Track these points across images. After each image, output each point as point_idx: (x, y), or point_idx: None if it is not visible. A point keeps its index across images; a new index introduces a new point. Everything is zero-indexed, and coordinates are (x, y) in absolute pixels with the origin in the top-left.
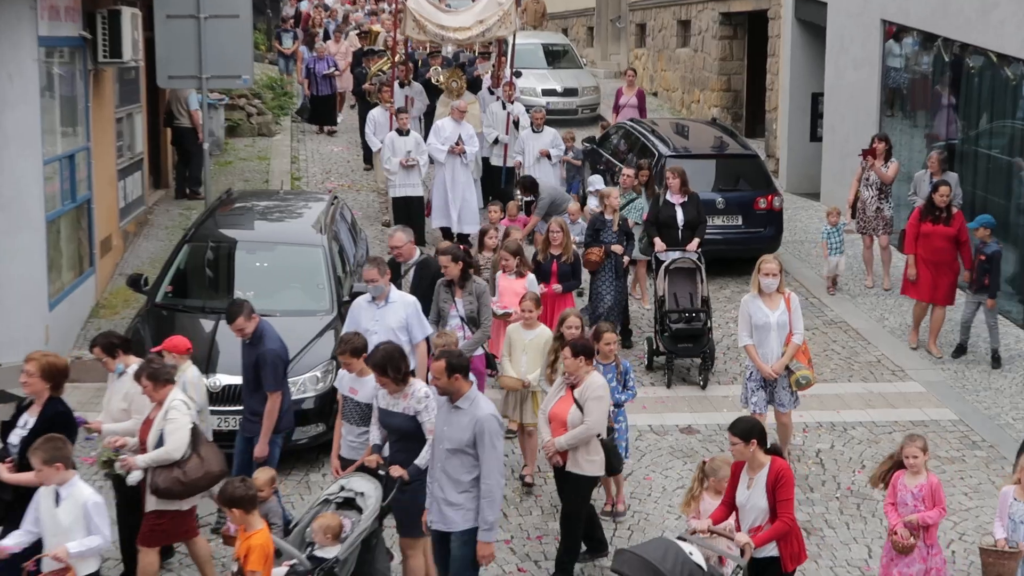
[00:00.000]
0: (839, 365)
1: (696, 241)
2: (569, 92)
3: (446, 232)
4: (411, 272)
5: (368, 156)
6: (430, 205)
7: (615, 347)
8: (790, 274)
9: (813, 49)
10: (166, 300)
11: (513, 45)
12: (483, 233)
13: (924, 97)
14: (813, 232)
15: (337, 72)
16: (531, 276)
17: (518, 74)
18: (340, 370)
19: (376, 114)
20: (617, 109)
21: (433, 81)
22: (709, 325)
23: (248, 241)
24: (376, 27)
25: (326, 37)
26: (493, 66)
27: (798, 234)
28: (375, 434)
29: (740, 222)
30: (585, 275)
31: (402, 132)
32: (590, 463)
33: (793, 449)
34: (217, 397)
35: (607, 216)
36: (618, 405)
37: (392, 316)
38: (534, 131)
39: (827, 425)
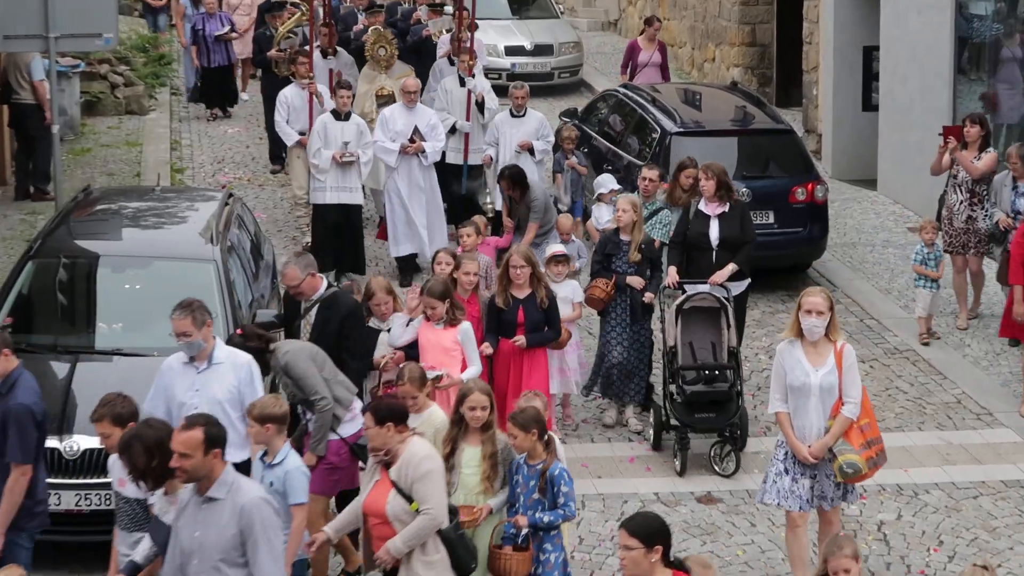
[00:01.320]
0: (907, 408)
1: (727, 269)
2: (541, 50)
3: (405, 262)
4: (313, 311)
5: (278, 153)
6: (383, 226)
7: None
8: (839, 289)
9: None
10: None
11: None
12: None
13: (1011, 55)
14: (868, 231)
15: (235, 35)
16: (465, 325)
17: (473, 27)
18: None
19: (290, 94)
20: (632, 71)
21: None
22: (739, 387)
23: (113, 256)
24: None
25: None
26: (452, 20)
27: (849, 234)
28: (143, 547)
29: (772, 220)
30: (588, 313)
31: (340, 114)
32: (428, 567)
33: (848, 521)
34: (74, 467)
35: (623, 236)
36: (539, 528)
37: (218, 383)
38: (514, 115)
39: (892, 489)
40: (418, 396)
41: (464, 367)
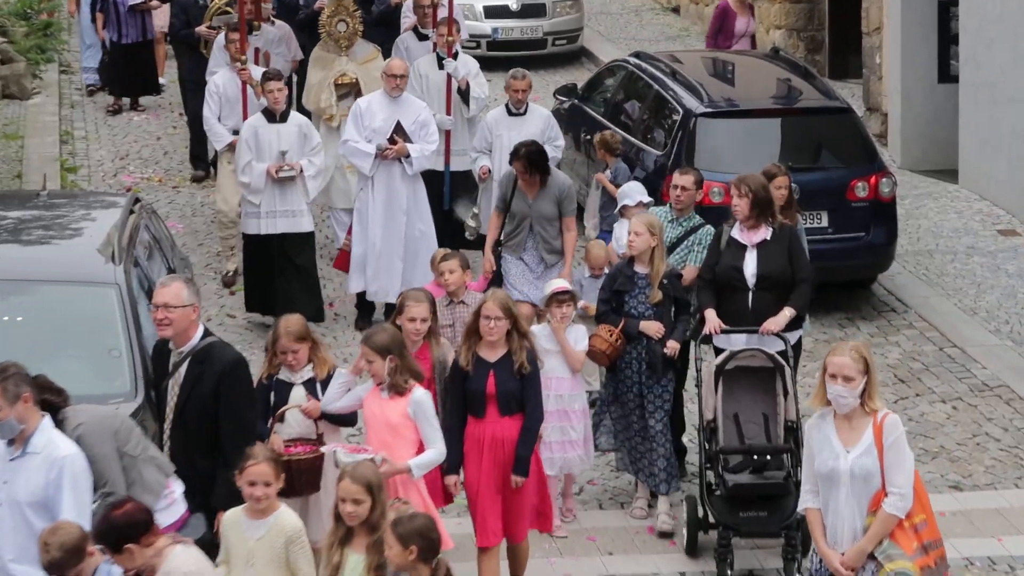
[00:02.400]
0: (1000, 460)
1: (785, 314)
2: (531, 10)
3: (366, 303)
4: (184, 366)
5: (202, 154)
6: (345, 253)
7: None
8: (911, 309)
9: None
10: None
11: None
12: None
13: None
14: (948, 235)
15: (157, 3)
16: (418, 394)
17: None
18: None
19: (222, 82)
20: (723, 41)
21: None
22: (797, 475)
23: None
24: None
25: None
26: None
27: (923, 240)
28: None
29: (825, 222)
30: (591, 367)
31: (274, 115)
32: None
33: None
34: None
35: (638, 268)
36: None
37: (25, 480)
38: (512, 112)
39: (982, 562)
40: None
41: (420, 449)
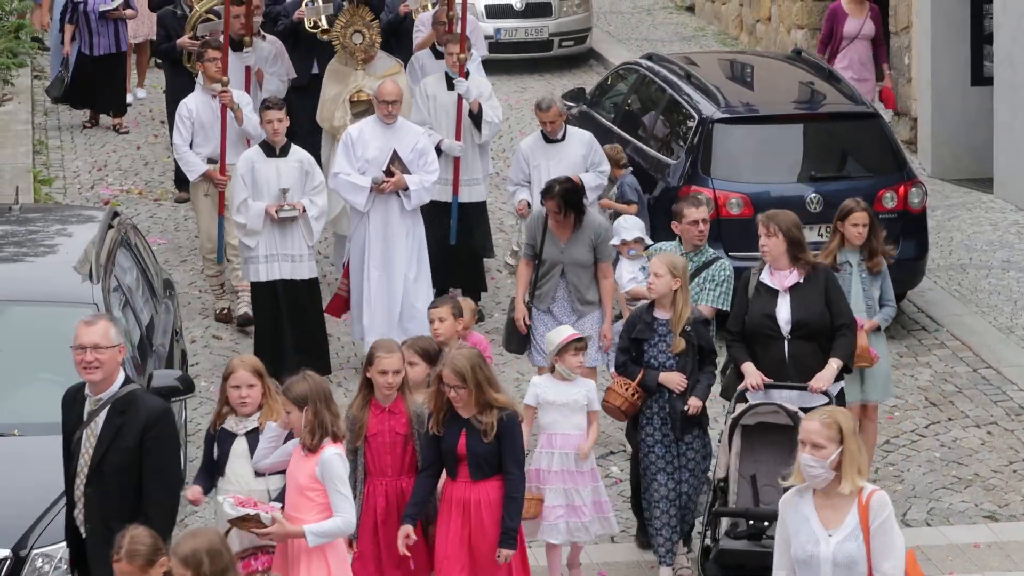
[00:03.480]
0: None
1: (832, 367)
2: (536, 9)
3: None
4: (102, 416)
5: (182, 176)
6: (342, 299)
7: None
8: (943, 328)
9: None
10: None
11: None
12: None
13: None
14: (982, 249)
15: (131, 10)
16: (328, 454)
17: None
18: None
19: (194, 106)
20: (834, 47)
21: (308, 27)
22: None
23: None
24: None
25: None
26: None
27: (956, 253)
28: None
29: None
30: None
31: (274, 149)
32: None
33: None
34: None
35: (658, 313)
36: None
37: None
38: (548, 140)
39: None
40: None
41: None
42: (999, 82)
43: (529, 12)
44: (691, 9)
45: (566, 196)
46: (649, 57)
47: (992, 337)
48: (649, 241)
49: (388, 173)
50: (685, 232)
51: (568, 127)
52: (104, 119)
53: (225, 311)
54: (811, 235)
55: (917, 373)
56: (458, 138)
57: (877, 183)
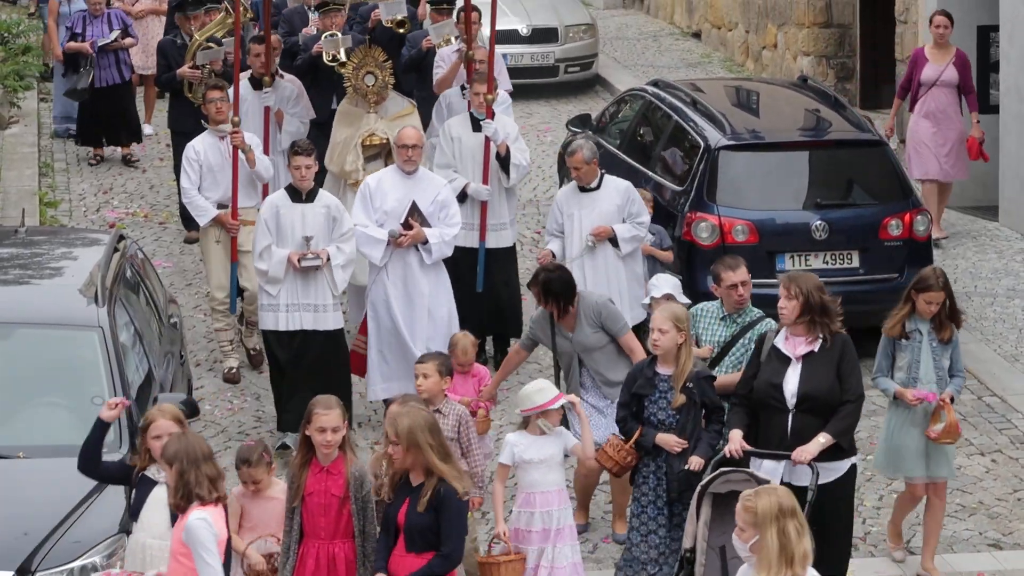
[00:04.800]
0: None
1: (819, 441)
2: (542, 36)
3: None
4: None
5: (189, 215)
6: (360, 355)
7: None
8: None
9: None
10: None
11: None
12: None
13: None
14: (987, 276)
15: (132, 39)
16: (191, 518)
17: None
18: None
19: (202, 148)
20: (914, 91)
21: (326, 60)
22: None
23: None
24: None
25: None
26: (458, 27)
27: (961, 281)
28: None
29: (856, 263)
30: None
31: (300, 194)
32: None
33: None
34: None
35: (661, 368)
36: None
37: None
38: (583, 189)
39: None
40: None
41: None
42: (1005, 110)
43: (535, 38)
44: (697, 36)
45: (547, 285)
46: (655, 83)
47: (997, 365)
48: (683, 299)
49: (407, 226)
50: (725, 296)
51: (605, 176)
52: (113, 151)
53: (234, 370)
54: (816, 262)
55: None
56: (485, 181)
57: (883, 211)
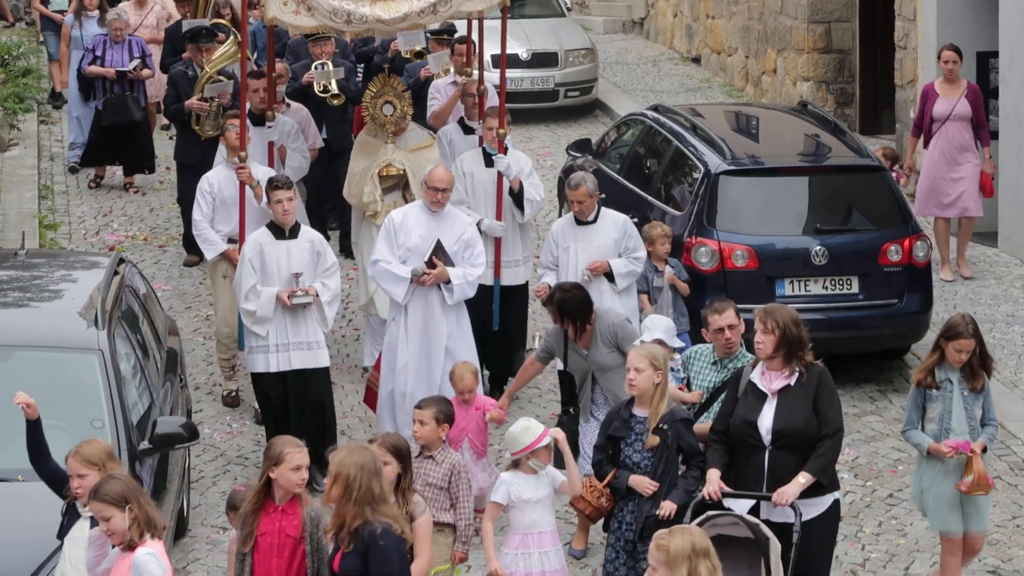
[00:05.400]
0: None
1: (799, 481)
2: (542, 60)
3: None
4: None
5: (192, 240)
6: (372, 391)
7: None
8: None
9: None
10: None
11: (505, 23)
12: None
13: None
14: (986, 303)
15: (149, 72)
16: (139, 554)
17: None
18: None
19: (216, 181)
20: (927, 127)
21: (317, 91)
22: None
23: None
24: None
25: None
26: (453, 59)
27: (961, 307)
28: None
29: (855, 288)
30: None
31: (283, 230)
32: None
33: None
34: None
35: (637, 410)
36: None
37: None
38: (580, 221)
39: None
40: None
41: None
42: (1004, 136)
43: (535, 62)
44: (697, 60)
45: (562, 305)
46: (655, 108)
47: (996, 391)
48: (675, 343)
49: (431, 264)
50: (714, 340)
51: (603, 209)
52: (113, 174)
53: (233, 393)
54: (815, 287)
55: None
56: (498, 217)
57: (882, 237)
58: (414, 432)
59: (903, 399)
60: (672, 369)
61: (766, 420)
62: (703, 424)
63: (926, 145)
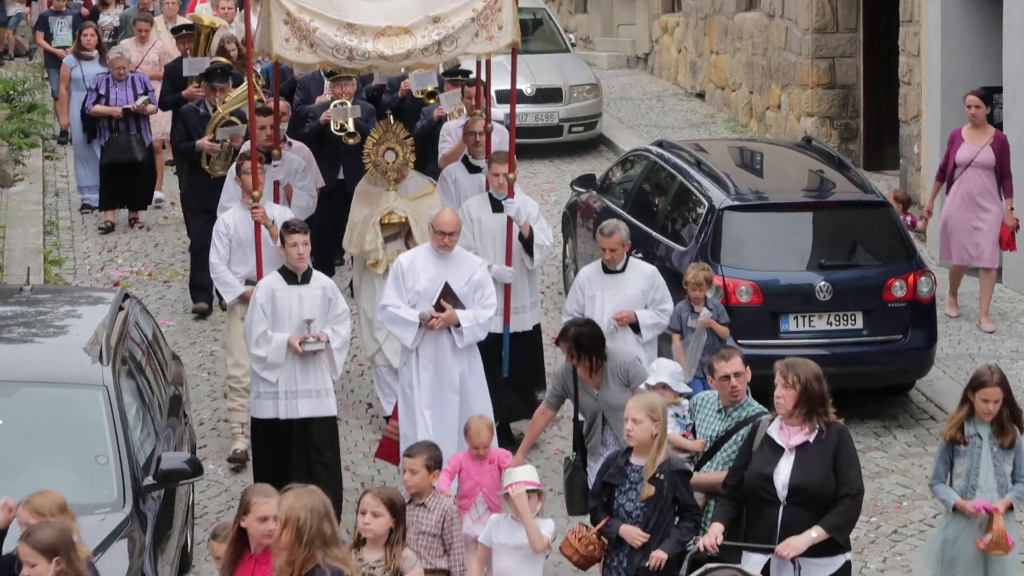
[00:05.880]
0: None
1: (810, 535)
2: (546, 96)
3: None
4: None
5: (206, 285)
6: (391, 441)
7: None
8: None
9: (981, 8)
10: None
11: (515, 63)
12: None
13: None
14: (991, 339)
15: (153, 107)
16: None
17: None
18: None
19: (233, 222)
20: (950, 173)
21: (334, 130)
22: None
23: None
24: (206, 16)
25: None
26: (464, 100)
27: (965, 342)
28: None
29: (860, 324)
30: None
31: (295, 275)
32: None
33: None
34: None
35: (635, 459)
36: None
37: None
38: (607, 271)
39: None
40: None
41: None
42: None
43: (539, 98)
44: (701, 96)
45: (579, 340)
46: (659, 143)
47: None
48: (682, 388)
49: (439, 308)
50: (719, 388)
51: (631, 259)
52: (118, 214)
53: (240, 451)
54: (820, 323)
55: (926, 463)
56: (508, 263)
57: (886, 272)
58: (405, 481)
59: (908, 434)
60: (677, 415)
61: (782, 475)
62: (705, 475)
63: (947, 191)
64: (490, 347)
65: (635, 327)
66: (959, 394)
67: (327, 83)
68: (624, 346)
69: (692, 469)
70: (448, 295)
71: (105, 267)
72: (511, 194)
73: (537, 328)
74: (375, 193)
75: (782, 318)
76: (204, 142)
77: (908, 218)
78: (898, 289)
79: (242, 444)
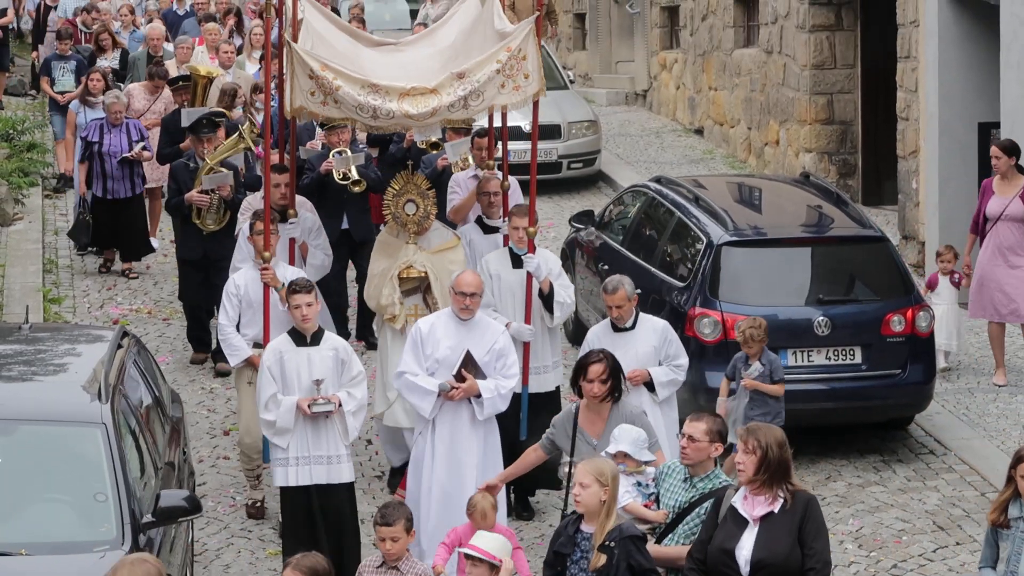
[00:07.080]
0: None
1: None
2: (544, 132)
3: None
4: None
5: (205, 336)
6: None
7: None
8: (951, 452)
9: (978, 44)
10: None
11: (536, 110)
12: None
13: None
14: (990, 373)
15: (148, 154)
16: None
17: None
18: None
19: (243, 283)
20: (982, 226)
21: (337, 179)
22: None
23: None
24: (202, 66)
25: (123, 74)
26: (473, 151)
27: (965, 378)
28: None
29: (858, 359)
30: None
31: (304, 337)
32: None
33: None
34: None
35: (585, 526)
36: None
37: None
38: (616, 329)
39: None
40: None
41: None
42: None
43: (538, 134)
44: (699, 132)
45: (615, 362)
46: (658, 180)
47: (1000, 461)
48: (644, 456)
49: (459, 377)
50: (682, 444)
51: (641, 314)
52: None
53: (259, 504)
54: (818, 358)
55: (925, 497)
56: (527, 321)
57: (885, 307)
58: (386, 551)
59: (907, 469)
60: (640, 483)
61: (744, 550)
62: (665, 548)
63: (981, 244)
64: (508, 408)
65: (649, 386)
66: (959, 429)
67: (319, 131)
68: (635, 400)
69: (651, 538)
70: (469, 364)
71: (104, 305)
72: (531, 249)
73: (558, 390)
74: (395, 245)
75: (781, 353)
76: (193, 195)
77: (956, 276)
78: (897, 324)
79: (259, 494)
